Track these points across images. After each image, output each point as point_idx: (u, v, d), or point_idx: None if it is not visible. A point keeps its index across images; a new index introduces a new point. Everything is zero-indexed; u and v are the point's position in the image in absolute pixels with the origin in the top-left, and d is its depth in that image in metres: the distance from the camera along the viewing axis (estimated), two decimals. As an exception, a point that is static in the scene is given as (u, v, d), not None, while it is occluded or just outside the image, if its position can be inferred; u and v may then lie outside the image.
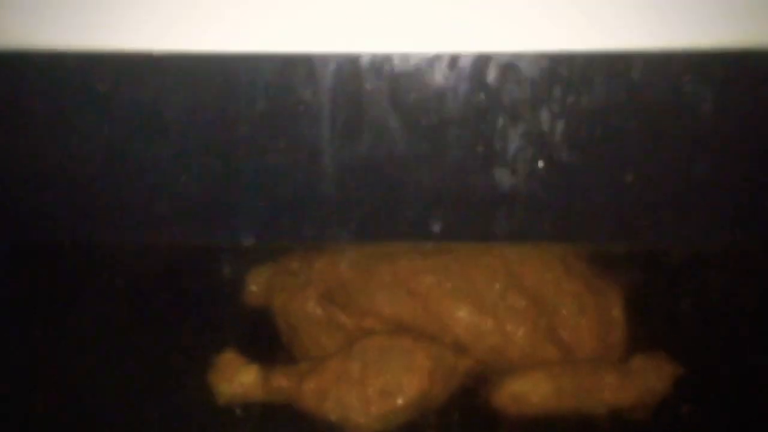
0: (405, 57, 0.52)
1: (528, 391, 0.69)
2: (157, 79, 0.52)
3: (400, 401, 0.67)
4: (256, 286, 0.79)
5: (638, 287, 0.75)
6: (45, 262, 0.69)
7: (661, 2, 0.49)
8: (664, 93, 0.51)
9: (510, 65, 0.52)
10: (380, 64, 0.52)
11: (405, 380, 0.67)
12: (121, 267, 0.73)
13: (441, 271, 0.74)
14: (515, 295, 0.73)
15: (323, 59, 0.51)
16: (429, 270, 0.74)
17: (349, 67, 0.52)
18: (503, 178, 0.54)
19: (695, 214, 0.54)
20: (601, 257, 0.74)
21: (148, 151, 0.54)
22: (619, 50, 0.50)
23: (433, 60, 0.52)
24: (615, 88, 0.51)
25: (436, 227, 0.55)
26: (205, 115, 0.53)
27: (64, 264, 0.70)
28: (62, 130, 0.54)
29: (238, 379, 0.69)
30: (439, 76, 0.53)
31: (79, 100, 0.53)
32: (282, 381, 0.69)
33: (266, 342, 0.76)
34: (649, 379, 0.69)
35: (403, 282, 0.74)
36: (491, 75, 0.52)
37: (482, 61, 0.52)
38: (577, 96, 0.52)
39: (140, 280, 0.75)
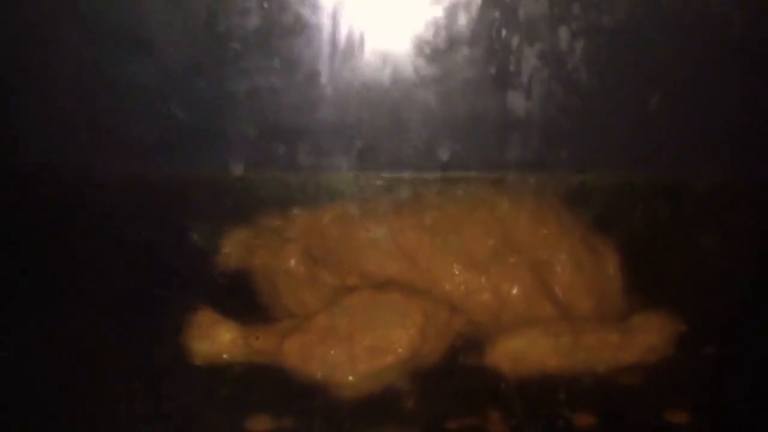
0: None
1: (525, 348, 0.65)
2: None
3: (390, 359, 0.63)
4: (230, 247, 0.75)
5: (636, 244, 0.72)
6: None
7: None
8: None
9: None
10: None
11: (395, 336, 0.63)
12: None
13: (430, 227, 0.70)
14: (508, 251, 0.70)
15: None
16: (417, 226, 0.70)
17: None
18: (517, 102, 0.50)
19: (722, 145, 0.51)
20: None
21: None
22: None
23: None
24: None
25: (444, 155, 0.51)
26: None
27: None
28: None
29: (216, 336, 0.64)
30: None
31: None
32: (263, 339, 0.64)
33: (242, 305, 0.71)
34: (650, 336, 0.66)
35: (389, 238, 0.70)
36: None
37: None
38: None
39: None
